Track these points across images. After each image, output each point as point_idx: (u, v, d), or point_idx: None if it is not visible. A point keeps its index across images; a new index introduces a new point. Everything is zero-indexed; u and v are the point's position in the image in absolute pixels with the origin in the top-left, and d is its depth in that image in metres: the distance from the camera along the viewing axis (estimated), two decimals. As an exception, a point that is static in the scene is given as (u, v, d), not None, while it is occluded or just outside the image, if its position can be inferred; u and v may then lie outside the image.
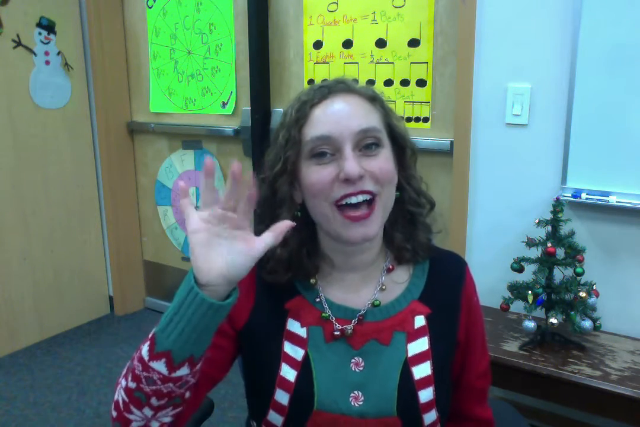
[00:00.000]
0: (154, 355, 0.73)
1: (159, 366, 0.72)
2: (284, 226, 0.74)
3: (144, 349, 0.74)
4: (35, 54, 2.61)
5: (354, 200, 0.82)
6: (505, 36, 1.79)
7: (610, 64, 1.61)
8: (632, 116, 1.61)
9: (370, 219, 0.83)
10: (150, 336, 0.75)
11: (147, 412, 0.77)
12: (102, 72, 2.77)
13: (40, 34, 2.61)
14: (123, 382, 0.78)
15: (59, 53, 2.70)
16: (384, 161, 0.84)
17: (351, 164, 0.80)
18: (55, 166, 2.76)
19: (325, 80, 0.91)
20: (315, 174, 0.83)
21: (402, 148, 0.90)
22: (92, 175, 2.93)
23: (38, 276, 2.76)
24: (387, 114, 0.89)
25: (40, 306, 2.78)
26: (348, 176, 0.80)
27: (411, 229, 0.92)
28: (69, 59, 2.74)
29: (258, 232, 0.74)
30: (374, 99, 0.89)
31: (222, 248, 0.71)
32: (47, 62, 2.66)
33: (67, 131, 2.78)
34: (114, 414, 0.80)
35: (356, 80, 0.92)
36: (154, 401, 0.75)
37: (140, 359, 0.74)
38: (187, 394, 0.79)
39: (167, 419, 0.79)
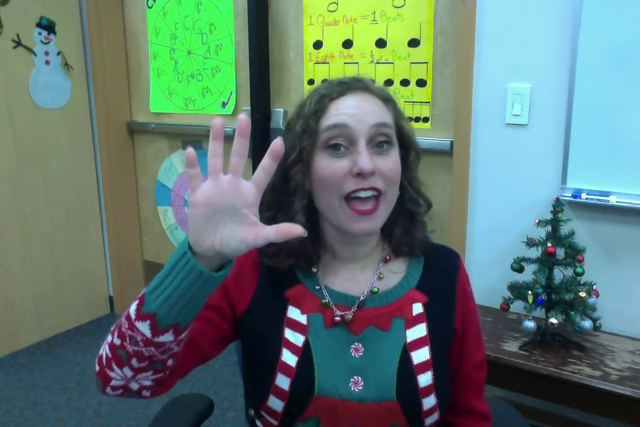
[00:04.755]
0: (140, 315, 0.72)
1: (144, 327, 0.72)
2: (294, 231, 0.66)
3: (132, 308, 0.74)
4: (35, 54, 2.61)
5: (362, 194, 0.84)
6: (505, 36, 1.79)
7: (610, 64, 1.61)
8: (632, 116, 1.61)
9: (375, 215, 0.85)
10: (140, 295, 0.74)
11: (127, 372, 0.77)
12: (102, 72, 2.78)
13: (40, 34, 2.61)
14: (109, 338, 0.78)
15: (59, 53, 2.70)
16: (393, 162, 0.87)
17: (365, 158, 0.82)
18: (55, 166, 2.76)
19: (343, 77, 0.94)
20: (328, 167, 0.85)
21: (407, 150, 0.93)
22: (92, 176, 2.93)
23: (38, 276, 2.76)
24: (397, 116, 0.92)
25: (40, 306, 2.78)
26: (362, 171, 0.82)
27: (410, 226, 0.95)
28: (69, 59, 2.74)
29: (264, 218, 0.72)
30: (388, 100, 0.91)
31: (221, 226, 0.67)
32: (47, 62, 2.66)
33: (67, 131, 2.78)
34: (97, 367, 0.81)
35: (373, 80, 0.94)
36: (134, 362, 0.75)
37: (128, 317, 0.74)
38: (170, 362, 0.79)
39: (147, 382, 0.80)
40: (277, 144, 0.66)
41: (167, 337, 0.73)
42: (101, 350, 0.80)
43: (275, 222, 0.69)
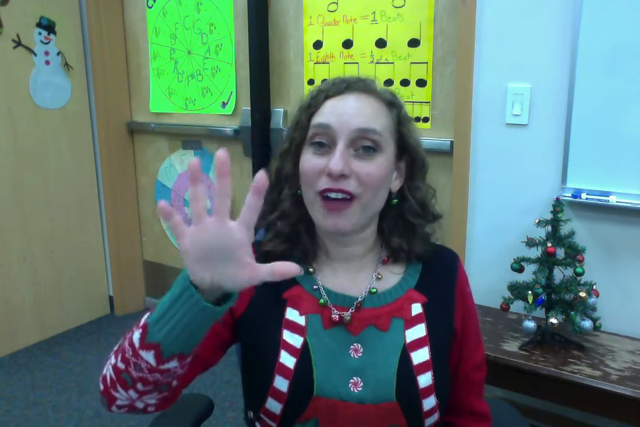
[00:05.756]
0: (144, 344, 0.72)
1: (148, 356, 0.72)
2: (290, 270, 0.65)
3: (136, 336, 0.73)
4: (35, 54, 2.61)
5: (332, 195, 0.85)
6: (505, 36, 1.79)
7: (610, 64, 1.61)
8: (632, 116, 1.61)
9: (344, 213, 0.85)
10: (142, 322, 0.74)
11: (132, 394, 0.78)
12: (102, 72, 2.78)
13: (40, 34, 2.61)
14: (113, 360, 0.78)
15: (59, 53, 2.70)
16: (374, 167, 0.86)
17: (336, 160, 0.83)
18: (55, 166, 2.76)
19: (348, 76, 0.94)
20: (308, 162, 0.87)
21: (412, 159, 0.93)
22: (92, 176, 2.93)
23: (38, 276, 2.76)
24: (400, 122, 0.91)
25: (40, 306, 2.78)
26: (330, 171, 0.83)
27: (410, 237, 0.95)
28: (69, 59, 2.74)
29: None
30: (392, 104, 0.91)
31: (216, 267, 0.66)
32: (47, 62, 2.66)
33: (67, 131, 2.78)
34: (101, 387, 0.81)
35: (373, 81, 0.93)
36: (139, 386, 0.76)
37: (131, 345, 0.74)
38: (175, 383, 0.80)
39: (153, 401, 0.81)
40: (259, 180, 0.61)
41: (172, 364, 0.73)
42: (105, 369, 0.80)
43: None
